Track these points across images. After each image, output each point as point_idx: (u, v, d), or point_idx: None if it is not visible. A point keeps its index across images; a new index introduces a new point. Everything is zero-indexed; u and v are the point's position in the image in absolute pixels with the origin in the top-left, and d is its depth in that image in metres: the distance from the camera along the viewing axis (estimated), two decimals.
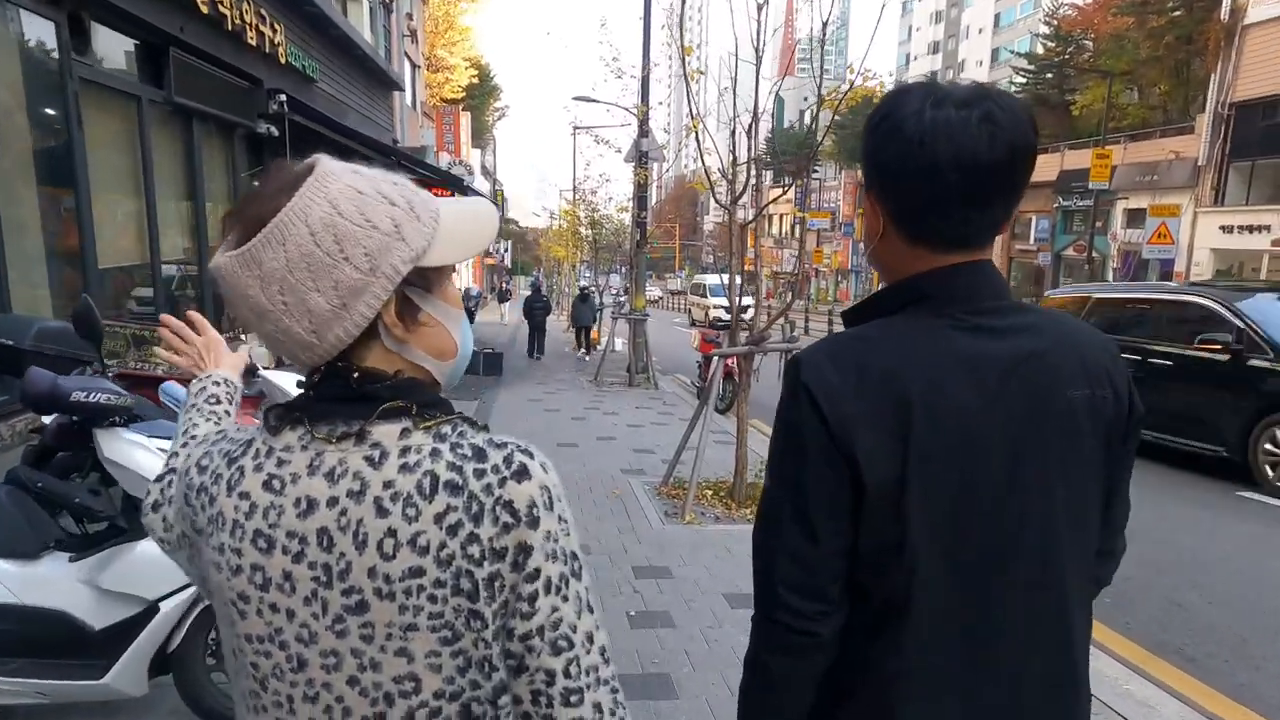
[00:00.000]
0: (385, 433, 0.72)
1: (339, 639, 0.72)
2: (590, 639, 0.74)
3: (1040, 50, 34.64)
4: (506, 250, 45.38)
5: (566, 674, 0.72)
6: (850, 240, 42.12)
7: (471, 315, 16.36)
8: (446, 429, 0.74)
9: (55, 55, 5.17)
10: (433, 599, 0.70)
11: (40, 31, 5.09)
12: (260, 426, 0.78)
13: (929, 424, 0.86)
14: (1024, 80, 35.06)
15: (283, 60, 9.03)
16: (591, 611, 0.75)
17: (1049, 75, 33.35)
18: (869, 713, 0.91)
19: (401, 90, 17.07)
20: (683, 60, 4.98)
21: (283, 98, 8.71)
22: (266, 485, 0.74)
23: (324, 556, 0.71)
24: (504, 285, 33.50)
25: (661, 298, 44.83)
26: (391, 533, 0.70)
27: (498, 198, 37.19)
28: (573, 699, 0.72)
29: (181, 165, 7.31)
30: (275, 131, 8.87)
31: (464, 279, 28.18)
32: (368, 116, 13.74)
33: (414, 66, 22.32)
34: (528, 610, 0.71)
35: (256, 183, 0.79)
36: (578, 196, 20.53)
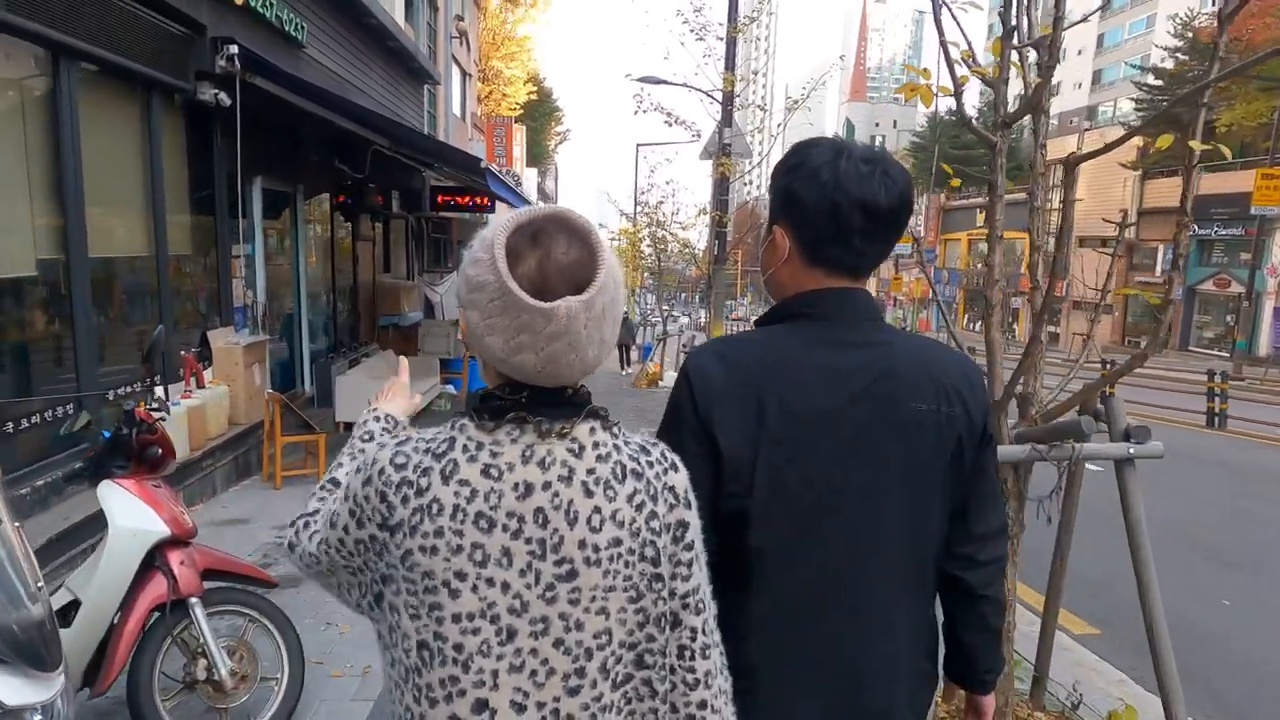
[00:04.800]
0: (581, 431, 0.93)
1: (549, 605, 0.89)
2: (709, 604, 0.99)
3: (1170, 65, 30.54)
4: None
5: (704, 630, 0.97)
6: (933, 268, 38.64)
7: None
8: (615, 429, 0.96)
9: None
10: (627, 564, 0.91)
11: None
12: (462, 425, 0.92)
13: (781, 416, 1.09)
14: (1143, 97, 31.05)
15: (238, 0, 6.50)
16: (709, 582, 0.99)
17: (1180, 90, 29.28)
18: (733, 651, 1.06)
19: (435, 82, 14.60)
20: None
21: (234, 50, 6.17)
22: (485, 473, 0.89)
23: (539, 532, 0.89)
24: None
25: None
26: (597, 510, 0.90)
27: None
28: (707, 652, 0.97)
29: (37, 132, 4.71)
30: (226, 100, 6.33)
31: None
32: (387, 106, 11.27)
33: (464, 74, 20.09)
34: (686, 574, 0.96)
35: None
36: (639, 209, 17.75)
